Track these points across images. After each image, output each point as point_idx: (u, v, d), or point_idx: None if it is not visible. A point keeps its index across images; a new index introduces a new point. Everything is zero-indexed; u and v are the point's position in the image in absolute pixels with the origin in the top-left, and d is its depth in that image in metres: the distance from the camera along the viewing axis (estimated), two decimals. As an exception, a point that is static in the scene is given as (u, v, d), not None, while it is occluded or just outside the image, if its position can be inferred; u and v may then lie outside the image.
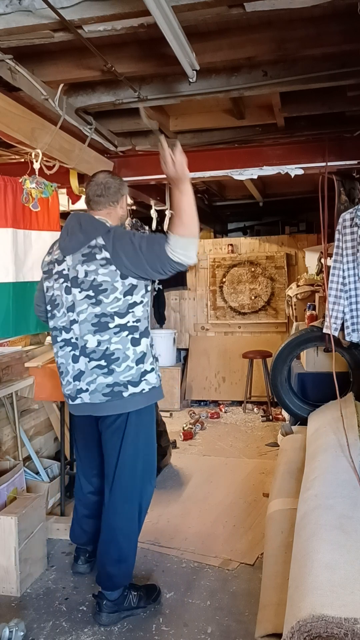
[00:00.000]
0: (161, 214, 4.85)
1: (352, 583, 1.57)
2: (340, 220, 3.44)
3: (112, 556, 2.34)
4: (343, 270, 3.43)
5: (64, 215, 4.56)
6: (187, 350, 6.75)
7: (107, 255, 2.23)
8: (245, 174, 3.67)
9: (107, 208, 2.40)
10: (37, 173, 2.91)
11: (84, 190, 2.60)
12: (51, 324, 2.43)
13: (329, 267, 3.58)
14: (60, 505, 3.35)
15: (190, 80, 2.52)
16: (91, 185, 2.43)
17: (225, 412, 5.98)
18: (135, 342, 2.29)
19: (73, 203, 4.45)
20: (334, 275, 3.45)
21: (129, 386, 2.28)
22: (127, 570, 2.39)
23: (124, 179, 3.84)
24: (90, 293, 2.26)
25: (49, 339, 3.92)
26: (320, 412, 3.42)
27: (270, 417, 5.59)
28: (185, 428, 5.16)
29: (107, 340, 2.26)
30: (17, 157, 3.63)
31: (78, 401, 2.35)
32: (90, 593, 2.55)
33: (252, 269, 6.49)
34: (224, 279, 6.59)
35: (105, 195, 2.39)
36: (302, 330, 3.91)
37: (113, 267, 2.23)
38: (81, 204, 4.46)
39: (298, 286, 5.15)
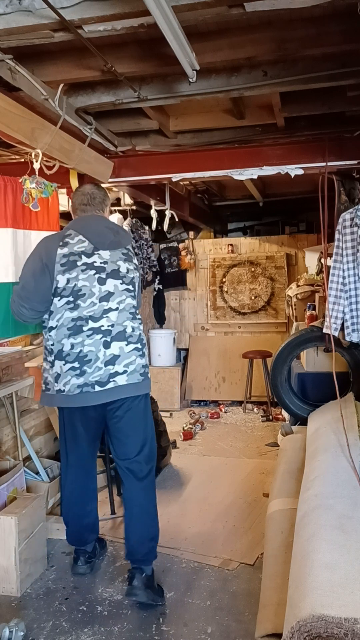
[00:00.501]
0: (161, 214, 4.84)
1: (352, 583, 1.57)
2: (340, 220, 3.44)
3: (149, 534, 2.55)
4: (343, 270, 3.43)
5: (64, 215, 4.58)
6: (187, 350, 6.75)
7: (137, 263, 2.71)
8: (245, 174, 3.67)
9: (100, 214, 2.69)
10: (37, 173, 2.91)
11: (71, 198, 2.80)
12: (73, 314, 2.47)
13: (329, 267, 3.58)
14: (60, 505, 3.35)
15: (190, 80, 2.52)
16: (77, 195, 2.70)
17: (225, 412, 5.98)
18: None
19: (71, 200, 4.45)
20: (334, 275, 3.45)
21: (147, 369, 2.62)
22: (156, 541, 2.59)
23: (124, 179, 3.89)
24: (130, 287, 2.60)
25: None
26: (320, 412, 3.42)
27: (270, 417, 5.59)
28: (185, 428, 5.16)
29: (138, 327, 2.60)
30: (17, 157, 3.63)
31: (110, 385, 2.46)
32: (90, 593, 2.55)
33: (252, 269, 6.49)
34: (224, 279, 6.59)
35: (90, 204, 2.66)
36: (302, 330, 3.91)
37: (137, 274, 2.69)
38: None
39: (298, 286, 5.15)
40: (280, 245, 6.51)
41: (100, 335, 2.47)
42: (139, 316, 2.63)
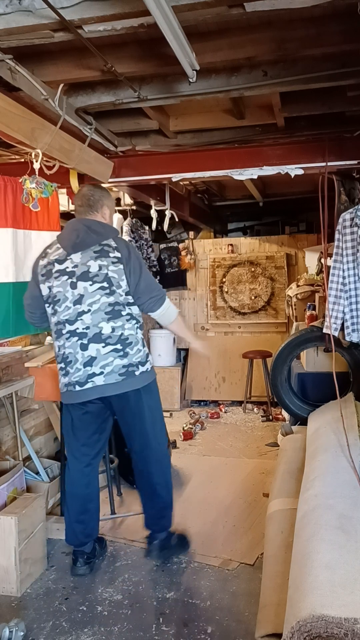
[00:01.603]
0: (161, 214, 4.84)
1: (352, 583, 1.57)
2: (340, 220, 3.43)
3: (160, 506, 2.79)
4: (343, 270, 3.43)
5: (64, 215, 4.58)
6: (187, 350, 6.75)
7: (119, 255, 2.60)
8: (245, 174, 3.67)
9: (92, 215, 2.72)
10: (37, 173, 2.91)
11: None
12: (54, 319, 2.65)
13: (329, 267, 3.58)
14: (60, 505, 3.35)
15: (190, 80, 2.52)
16: (75, 198, 2.81)
17: (225, 412, 5.98)
18: (139, 329, 2.68)
19: (73, 203, 4.45)
20: (334, 275, 3.45)
21: (139, 366, 2.64)
22: (170, 514, 2.84)
23: (124, 179, 3.88)
24: (105, 284, 2.57)
25: (49, 339, 3.92)
26: (320, 412, 3.42)
27: (270, 417, 5.59)
28: (185, 428, 5.16)
29: (121, 327, 2.59)
30: (17, 157, 3.63)
31: (88, 385, 2.58)
32: (90, 593, 2.55)
33: (252, 269, 6.49)
34: (224, 279, 6.59)
35: (84, 206, 2.73)
36: (302, 330, 3.91)
37: (121, 267, 2.60)
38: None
39: (298, 286, 5.15)
40: (280, 245, 6.51)
41: (77, 338, 2.58)
42: (126, 311, 2.61)
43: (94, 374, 2.57)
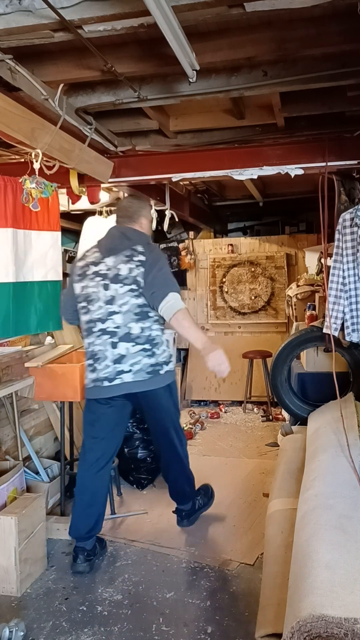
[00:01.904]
0: (161, 214, 4.84)
1: (352, 583, 1.57)
2: (340, 220, 3.43)
3: (183, 484, 3.12)
4: (343, 270, 3.43)
5: (64, 215, 4.57)
6: (187, 350, 6.75)
7: (143, 258, 2.77)
8: (245, 174, 3.66)
9: (131, 224, 2.95)
10: (37, 173, 2.91)
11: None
12: (86, 317, 2.84)
13: (329, 267, 3.58)
14: (60, 505, 3.35)
15: (190, 80, 2.52)
16: (116, 209, 3.12)
17: (225, 412, 5.98)
18: (163, 331, 2.89)
19: (73, 203, 4.44)
20: (334, 275, 3.45)
21: (164, 365, 2.83)
22: (193, 487, 3.18)
23: (124, 179, 3.88)
24: (134, 287, 2.74)
25: (49, 339, 3.92)
26: (320, 412, 3.42)
27: (270, 417, 5.59)
28: (185, 428, 5.15)
29: (149, 327, 2.78)
30: (17, 157, 3.63)
31: (117, 381, 2.75)
32: (90, 593, 2.55)
33: (252, 269, 6.49)
34: (224, 279, 6.59)
35: (124, 217, 2.98)
36: (302, 330, 3.91)
37: (143, 270, 2.74)
38: (81, 204, 4.47)
39: (298, 286, 5.15)
40: (280, 245, 6.51)
41: (108, 336, 2.76)
42: (153, 313, 2.78)
43: (122, 371, 2.74)
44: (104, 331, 2.76)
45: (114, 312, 2.75)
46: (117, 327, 2.74)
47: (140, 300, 2.74)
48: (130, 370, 2.74)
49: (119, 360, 2.74)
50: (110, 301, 2.76)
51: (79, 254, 2.96)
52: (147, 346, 2.76)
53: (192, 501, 3.17)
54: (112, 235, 2.93)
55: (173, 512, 3.20)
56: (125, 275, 2.75)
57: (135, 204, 3.02)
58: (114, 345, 2.74)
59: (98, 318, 2.78)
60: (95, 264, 2.84)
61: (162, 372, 2.81)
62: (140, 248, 2.80)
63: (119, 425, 2.94)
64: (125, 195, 4.57)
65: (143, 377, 2.75)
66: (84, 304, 2.84)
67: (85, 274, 2.86)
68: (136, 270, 2.74)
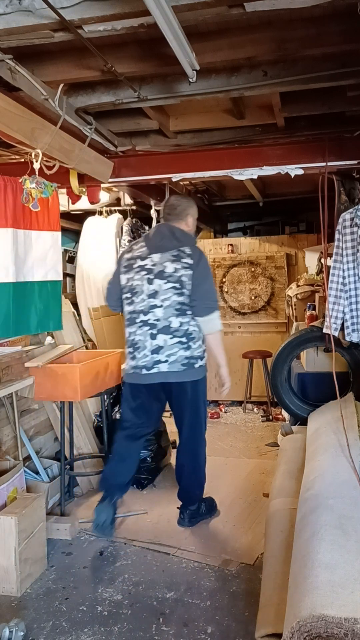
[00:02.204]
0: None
1: (352, 583, 1.57)
2: (340, 220, 3.44)
3: (194, 482, 3.19)
4: (343, 270, 3.43)
5: (64, 215, 4.57)
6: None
7: (191, 262, 2.94)
8: (245, 174, 3.67)
9: (177, 222, 3.10)
10: (37, 173, 2.91)
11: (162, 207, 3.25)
12: (130, 308, 3.04)
13: (329, 267, 3.58)
14: (60, 505, 3.35)
15: (190, 80, 2.52)
16: (163, 206, 3.22)
17: (225, 412, 5.98)
18: (200, 328, 3.02)
19: (73, 203, 4.45)
20: (334, 275, 3.45)
21: (199, 360, 3.01)
22: (201, 490, 3.24)
23: (124, 179, 3.88)
24: (177, 285, 2.93)
25: (49, 339, 3.92)
26: (320, 412, 3.42)
27: (270, 417, 5.59)
28: (185, 428, 5.15)
29: (187, 322, 2.96)
30: (17, 157, 3.63)
31: (154, 370, 2.96)
32: (90, 593, 2.55)
33: (252, 269, 6.49)
34: (224, 279, 6.59)
35: (171, 214, 3.12)
36: (302, 330, 3.91)
37: (191, 272, 2.93)
38: (81, 204, 4.47)
39: (298, 286, 5.15)
40: (280, 245, 6.51)
41: (148, 328, 2.96)
42: (191, 311, 2.96)
43: (159, 361, 2.94)
44: (145, 322, 2.96)
45: (156, 306, 2.95)
46: (157, 320, 2.94)
47: (181, 298, 2.94)
48: (166, 361, 2.94)
49: (156, 350, 2.94)
50: (153, 295, 2.95)
51: (125, 248, 3.29)
52: (183, 339, 2.95)
53: (198, 503, 3.23)
54: (161, 233, 3.08)
55: (178, 508, 3.26)
56: (170, 273, 2.94)
57: (183, 203, 3.17)
58: (153, 337, 2.94)
59: (141, 310, 2.98)
60: (142, 258, 3.02)
61: (196, 365, 2.99)
62: (188, 250, 2.98)
63: (155, 408, 3.19)
64: (126, 193, 4.59)
65: (178, 368, 2.95)
66: (128, 295, 3.05)
67: (131, 267, 3.04)
68: (183, 271, 2.93)
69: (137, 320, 2.99)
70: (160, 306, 2.94)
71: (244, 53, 2.47)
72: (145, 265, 3.00)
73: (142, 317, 2.98)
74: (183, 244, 3.00)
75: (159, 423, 3.27)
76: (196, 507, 3.22)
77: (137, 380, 3.02)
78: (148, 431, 3.26)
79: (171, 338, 2.94)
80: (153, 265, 2.98)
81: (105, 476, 3.16)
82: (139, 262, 3.02)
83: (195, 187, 5.67)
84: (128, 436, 3.14)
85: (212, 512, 3.31)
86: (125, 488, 3.19)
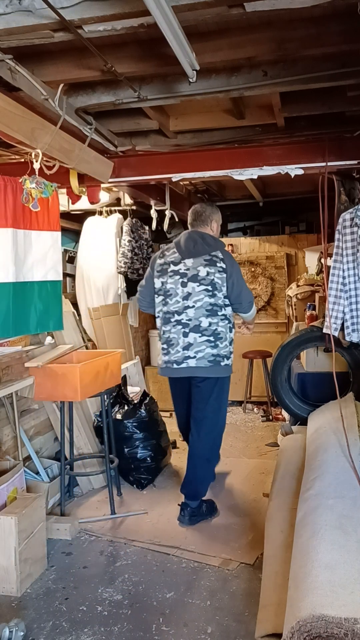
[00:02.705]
0: (161, 214, 4.84)
1: (352, 583, 1.57)
2: (340, 220, 3.43)
3: (202, 476, 3.34)
4: (343, 270, 3.43)
5: (64, 215, 4.56)
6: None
7: (224, 266, 3.23)
8: (245, 174, 3.66)
9: (203, 228, 3.39)
10: (37, 173, 2.91)
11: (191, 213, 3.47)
12: (164, 309, 3.33)
13: (329, 267, 3.58)
14: (60, 505, 3.36)
15: (190, 80, 2.51)
16: (189, 213, 3.48)
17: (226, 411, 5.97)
18: (230, 329, 3.30)
19: (73, 203, 4.45)
20: (334, 275, 3.45)
21: (224, 359, 3.24)
22: (206, 487, 3.37)
23: (124, 179, 3.88)
24: (209, 287, 3.21)
25: (49, 339, 3.92)
26: (320, 412, 3.42)
27: (270, 417, 5.59)
28: (185, 428, 5.15)
29: (216, 323, 3.22)
30: (17, 157, 3.63)
31: (184, 365, 3.24)
32: (90, 593, 2.55)
33: (252, 269, 6.49)
34: (224, 279, 6.58)
35: (197, 220, 3.41)
36: (302, 330, 3.91)
37: (225, 276, 3.22)
38: (81, 204, 4.47)
39: (298, 286, 5.15)
40: (280, 245, 6.51)
41: (181, 327, 3.24)
42: (222, 312, 3.23)
43: (188, 357, 3.22)
44: (178, 322, 3.25)
45: (188, 307, 3.23)
46: (190, 320, 3.22)
47: (213, 300, 3.21)
48: (194, 357, 3.21)
49: (187, 347, 3.22)
50: (186, 297, 3.24)
51: (157, 252, 3.45)
52: (211, 338, 3.20)
53: (199, 502, 3.30)
54: (192, 239, 3.32)
55: (179, 505, 3.33)
56: (203, 277, 3.22)
57: (208, 209, 3.43)
58: (185, 335, 3.22)
59: (175, 310, 3.26)
60: (175, 263, 3.29)
61: (222, 363, 3.22)
62: (220, 255, 3.26)
63: (189, 398, 3.40)
64: (126, 193, 4.59)
65: (204, 364, 3.20)
66: (162, 297, 3.34)
67: (165, 271, 3.33)
68: (217, 274, 3.22)
69: (172, 320, 3.27)
70: (193, 307, 3.22)
71: (244, 53, 2.46)
72: (179, 269, 3.27)
73: (176, 317, 3.26)
74: (214, 248, 3.27)
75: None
76: (197, 506, 3.28)
77: (169, 373, 3.34)
78: (200, 419, 3.44)
79: (200, 336, 3.20)
80: (187, 269, 3.26)
81: (186, 482, 3.35)
82: (173, 267, 3.30)
83: (195, 187, 5.66)
84: (185, 414, 3.46)
85: (212, 513, 3.35)
86: (203, 492, 3.39)
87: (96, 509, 3.50)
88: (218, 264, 3.23)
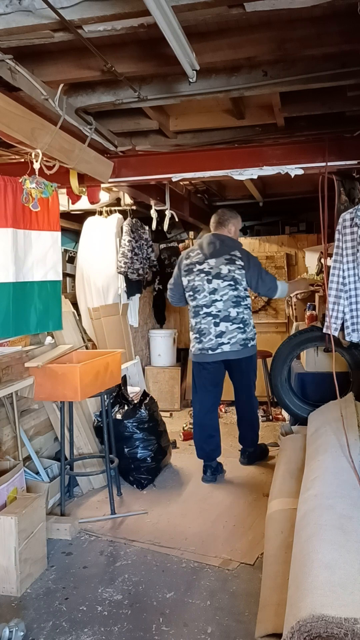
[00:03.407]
0: (161, 214, 4.84)
1: (352, 583, 1.57)
2: (340, 220, 3.43)
3: (252, 429, 4.15)
4: (343, 270, 3.43)
5: (64, 215, 4.56)
6: (187, 350, 6.73)
7: (242, 263, 3.82)
8: (245, 174, 3.67)
9: (221, 230, 3.98)
10: (37, 173, 2.91)
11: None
12: (193, 303, 3.90)
13: (329, 267, 3.58)
14: (60, 505, 3.36)
15: (190, 80, 2.52)
16: (212, 217, 4.07)
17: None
18: (251, 315, 3.96)
19: (73, 203, 4.44)
20: (334, 275, 3.45)
21: (251, 340, 3.88)
22: (257, 435, 4.20)
23: (124, 179, 3.88)
24: (232, 283, 3.80)
25: (49, 339, 3.92)
26: (320, 412, 3.42)
27: (270, 417, 5.59)
28: (185, 428, 5.15)
29: (242, 312, 3.83)
30: (17, 157, 3.63)
31: (218, 351, 3.81)
32: (90, 593, 2.55)
33: (252, 269, 6.47)
34: (224, 279, 6.57)
35: (218, 223, 4.00)
36: (302, 330, 3.91)
37: (243, 271, 3.82)
38: (81, 204, 4.46)
39: (298, 286, 5.14)
40: (280, 245, 6.50)
41: (211, 318, 3.81)
42: (244, 302, 3.85)
43: (222, 343, 3.79)
44: (208, 314, 3.81)
45: (216, 300, 3.80)
46: (219, 311, 3.79)
47: (236, 292, 3.79)
48: (228, 342, 3.78)
49: (219, 335, 3.79)
50: (213, 292, 3.81)
51: (184, 255, 4.03)
52: (240, 325, 3.80)
53: (254, 447, 4.16)
54: (212, 242, 3.89)
55: (239, 450, 4.21)
56: (225, 274, 3.80)
57: (227, 214, 4.00)
58: (216, 324, 3.79)
59: (203, 304, 3.83)
60: (200, 263, 3.87)
61: (249, 345, 3.85)
62: (238, 254, 3.84)
63: (219, 382, 4.02)
64: (126, 193, 4.59)
65: (237, 348, 3.79)
66: (190, 293, 3.92)
67: (191, 270, 3.90)
68: (237, 271, 3.80)
69: (201, 313, 3.84)
70: (220, 300, 3.79)
71: (244, 53, 2.46)
72: (204, 268, 3.85)
73: (205, 310, 3.82)
74: (232, 248, 3.85)
75: (221, 394, 4.10)
76: (253, 450, 4.15)
77: (204, 359, 3.87)
78: (219, 401, 4.11)
79: (231, 325, 3.78)
80: (210, 268, 3.83)
81: (202, 449, 3.98)
82: (198, 267, 3.87)
83: (195, 187, 5.66)
84: (209, 409, 3.99)
85: (265, 456, 4.22)
86: (219, 452, 4.03)
87: (96, 509, 3.50)
88: (237, 262, 3.80)
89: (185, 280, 3.93)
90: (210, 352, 3.82)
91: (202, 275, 3.83)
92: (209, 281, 3.81)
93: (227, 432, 5.20)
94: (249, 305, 3.90)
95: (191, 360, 4.09)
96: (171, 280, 4.11)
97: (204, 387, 3.99)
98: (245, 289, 3.85)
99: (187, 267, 3.92)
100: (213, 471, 3.94)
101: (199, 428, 3.99)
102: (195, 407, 4.05)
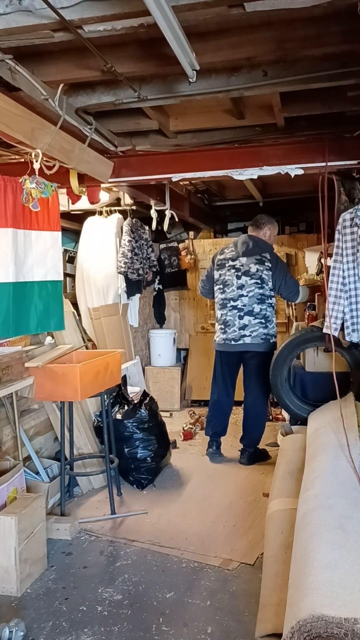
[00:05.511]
0: (161, 214, 4.84)
1: (352, 583, 1.57)
2: (340, 220, 3.43)
3: (256, 428, 4.30)
4: (343, 270, 3.42)
5: (64, 215, 4.56)
6: (187, 350, 6.74)
7: (270, 265, 4.20)
8: (245, 174, 3.67)
9: (256, 232, 4.32)
10: (37, 173, 2.91)
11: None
12: (222, 296, 4.29)
13: (329, 267, 3.58)
14: (60, 505, 3.36)
15: (190, 80, 2.51)
16: (252, 221, 4.42)
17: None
18: (274, 313, 4.28)
19: (73, 203, 4.45)
20: (334, 275, 3.45)
21: (272, 337, 4.23)
22: (261, 436, 4.33)
23: (124, 179, 3.88)
24: (258, 281, 4.17)
25: (49, 339, 3.92)
26: (320, 412, 3.42)
27: (270, 417, 5.58)
28: (185, 428, 5.15)
29: (265, 309, 4.19)
30: (17, 157, 3.63)
31: (240, 342, 4.18)
32: (90, 593, 2.55)
33: (252, 269, 6.47)
34: (224, 279, 6.57)
35: (253, 225, 4.37)
36: (302, 330, 3.91)
37: (270, 273, 4.19)
38: (81, 204, 4.47)
39: (298, 286, 5.14)
40: (280, 245, 6.50)
41: (236, 311, 4.20)
42: (269, 300, 4.20)
43: (244, 335, 4.16)
44: (234, 307, 4.20)
45: (243, 295, 4.17)
46: (244, 306, 4.16)
47: (261, 290, 4.15)
48: (250, 335, 4.15)
49: (243, 327, 4.16)
50: (240, 288, 4.18)
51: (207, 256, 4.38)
52: (262, 321, 4.16)
53: (255, 448, 4.26)
54: (246, 242, 4.23)
55: (239, 450, 4.32)
56: (253, 273, 4.17)
57: (264, 219, 4.36)
58: (240, 317, 4.16)
59: (231, 297, 4.22)
60: (233, 259, 4.26)
61: (271, 341, 4.19)
62: (268, 256, 4.21)
63: (237, 368, 4.39)
64: (126, 193, 4.60)
65: (258, 341, 4.16)
66: (220, 286, 4.31)
67: (223, 265, 4.30)
68: (265, 271, 4.16)
69: (228, 305, 4.22)
70: (246, 296, 4.16)
71: (244, 53, 2.46)
72: (235, 265, 4.23)
73: (232, 303, 4.20)
74: (263, 250, 4.20)
75: (236, 381, 4.42)
76: (253, 451, 4.25)
77: (227, 348, 4.24)
78: (234, 389, 4.45)
79: (254, 319, 4.14)
80: (241, 265, 4.20)
81: (213, 427, 4.39)
82: (230, 263, 4.25)
83: (195, 187, 5.66)
84: (226, 392, 4.39)
85: (265, 459, 4.27)
86: (225, 431, 4.46)
87: (96, 509, 3.50)
88: (265, 263, 4.17)
89: (217, 274, 4.31)
90: (233, 342, 4.18)
91: (233, 271, 4.21)
92: (238, 277, 4.17)
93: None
94: (272, 304, 4.22)
95: (214, 349, 4.46)
96: (204, 273, 4.56)
97: (223, 375, 4.36)
98: (271, 289, 4.19)
99: (220, 262, 4.31)
100: (217, 446, 4.39)
101: (215, 407, 4.41)
102: (214, 392, 4.42)
